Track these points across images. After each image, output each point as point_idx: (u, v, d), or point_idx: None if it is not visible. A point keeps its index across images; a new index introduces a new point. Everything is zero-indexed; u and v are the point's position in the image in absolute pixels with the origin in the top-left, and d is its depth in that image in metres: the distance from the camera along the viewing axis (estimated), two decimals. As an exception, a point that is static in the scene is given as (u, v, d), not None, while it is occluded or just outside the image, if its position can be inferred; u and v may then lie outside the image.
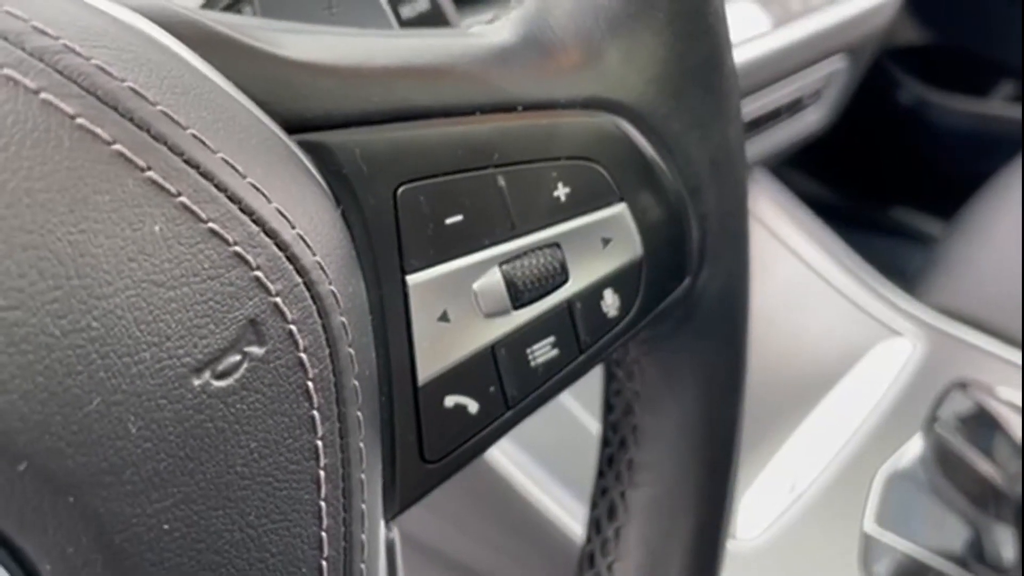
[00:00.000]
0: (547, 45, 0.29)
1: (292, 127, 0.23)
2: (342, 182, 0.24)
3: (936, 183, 1.52)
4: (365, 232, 0.24)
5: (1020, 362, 0.90)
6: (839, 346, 0.98)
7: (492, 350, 0.27)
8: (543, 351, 0.28)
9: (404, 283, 0.25)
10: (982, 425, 0.72)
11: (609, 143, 0.30)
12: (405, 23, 0.39)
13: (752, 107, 0.90)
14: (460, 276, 0.26)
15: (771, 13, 0.84)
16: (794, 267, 1.04)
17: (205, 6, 0.38)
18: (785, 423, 0.90)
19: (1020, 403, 0.77)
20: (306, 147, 0.23)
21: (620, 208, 0.30)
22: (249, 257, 0.19)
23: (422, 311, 0.25)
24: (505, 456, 0.74)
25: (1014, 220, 1.05)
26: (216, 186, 0.19)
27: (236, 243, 0.19)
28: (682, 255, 0.32)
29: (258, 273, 0.19)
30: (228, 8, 0.35)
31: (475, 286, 0.27)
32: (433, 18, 0.40)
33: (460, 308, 0.26)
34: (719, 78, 0.31)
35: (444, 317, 0.26)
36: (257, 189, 0.19)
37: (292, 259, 0.20)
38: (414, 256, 0.25)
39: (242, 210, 0.19)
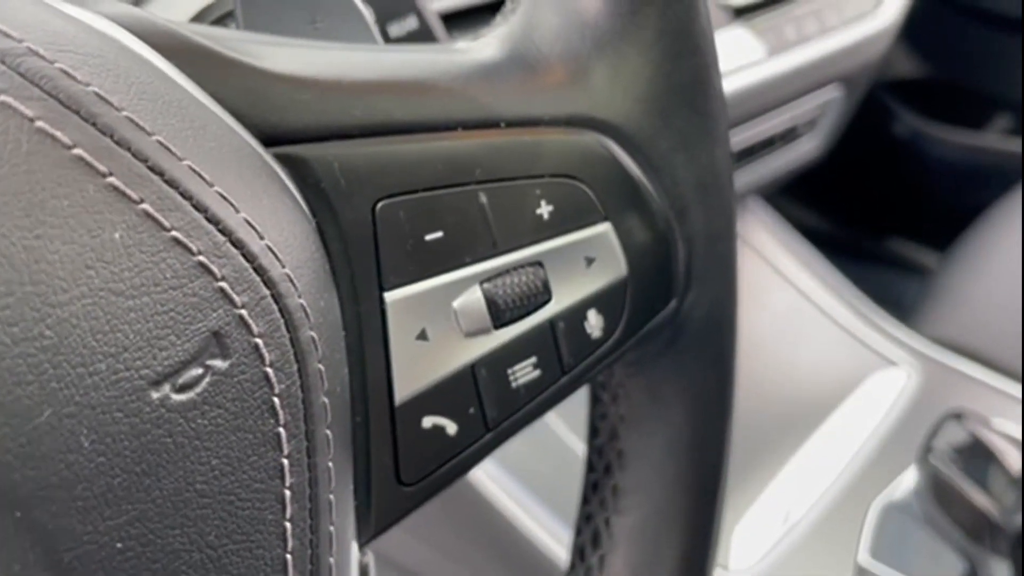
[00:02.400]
0: (532, 62, 0.29)
1: (269, 139, 0.23)
2: (320, 196, 0.23)
3: (932, 215, 1.53)
4: (343, 247, 0.24)
5: (1015, 393, 0.90)
6: (834, 375, 0.98)
7: (472, 370, 0.27)
8: (524, 372, 0.28)
9: (382, 300, 0.24)
10: (977, 456, 0.71)
11: (593, 161, 0.29)
12: (393, 42, 0.39)
13: (746, 135, 0.90)
14: (440, 294, 0.26)
15: (766, 41, 0.85)
16: (789, 295, 1.04)
17: (194, 20, 0.38)
18: (779, 453, 0.90)
19: (1015, 434, 0.76)
20: (283, 160, 0.23)
21: (604, 227, 0.30)
22: (214, 267, 0.18)
23: (400, 329, 0.25)
24: (489, 478, 0.73)
25: (1010, 252, 1.05)
26: (181, 194, 0.18)
27: (200, 253, 0.18)
28: (668, 276, 0.32)
29: (223, 284, 0.18)
30: (215, 23, 0.35)
31: (455, 304, 0.26)
32: (421, 38, 0.40)
33: (439, 326, 0.26)
34: (706, 98, 0.31)
35: (423, 335, 0.25)
36: (224, 198, 0.19)
37: (259, 271, 0.19)
38: (393, 272, 0.25)
39: (208, 219, 0.18)
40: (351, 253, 0.24)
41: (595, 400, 0.35)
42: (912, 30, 1.19)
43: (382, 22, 0.39)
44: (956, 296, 1.04)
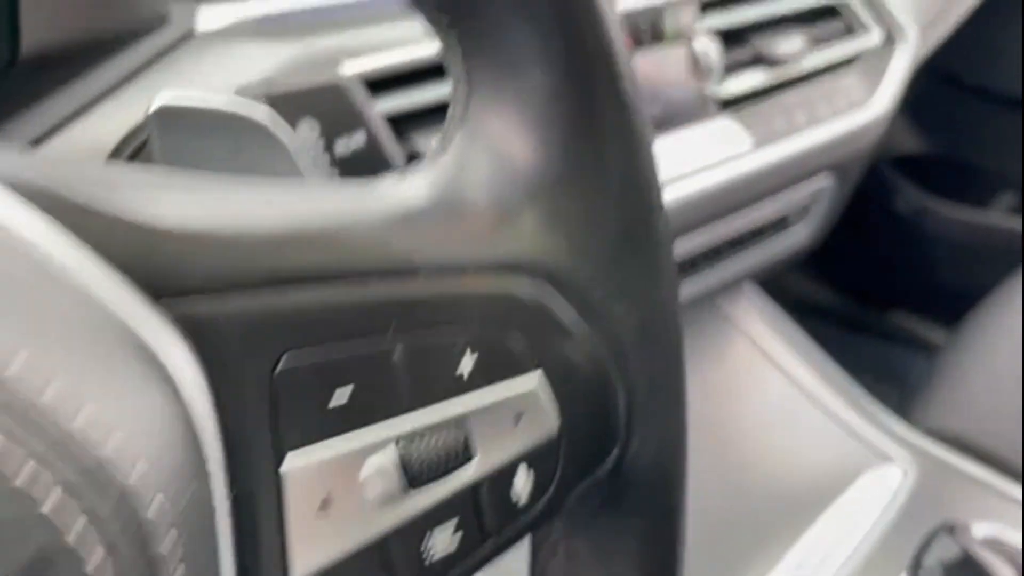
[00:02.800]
0: (458, 207, 0.27)
1: (158, 293, 0.21)
2: (213, 353, 0.21)
3: (936, 291, 1.51)
4: (238, 410, 0.22)
5: (1015, 495, 0.86)
6: (826, 471, 0.95)
7: (383, 543, 0.24)
8: (442, 541, 0.26)
9: (279, 466, 0.22)
10: None
11: (522, 308, 0.27)
12: (339, 161, 0.38)
13: (735, 225, 0.88)
14: (346, 457, 0.24)
15: (754, 133, 0.83)
16: (780, 385, 1.01)
17: (113, 155, 0.37)
18: (766, 555, 0.86)
19: (1013, 542, 0.73)
20: (175, 317, 0.21)
21: (535, 377, 0.27)
22: (36, 490, 0.16)
23: (299, 500, 0.23)
24: None
25: (1010, 340, 1.02)
26: (2, 403, 0.16)
27: (19, 475, 0.16)
28: (607, 426, 0.29)
29: (50, 505, 0.16)
30: (144, 144, 0.34)
31: (363, 468, 0.24)
32: (369, 154, 0.38)
33: (345, 494, 0.24)
34: (648, 240, 0.29)
35: (325, 505, 0.23)
36: (63, 397, 0.17)
37: (101, 483, 0.17)
38: (293, 435, 0.23)
39: (35, 430, 0.16)
40: (247, 415, 0.22)
41: (534, 556, 0.33)
42: (915, 107, 1.18)
43: (329, 136, 0.38)
44: (955, 387, 1.01)
